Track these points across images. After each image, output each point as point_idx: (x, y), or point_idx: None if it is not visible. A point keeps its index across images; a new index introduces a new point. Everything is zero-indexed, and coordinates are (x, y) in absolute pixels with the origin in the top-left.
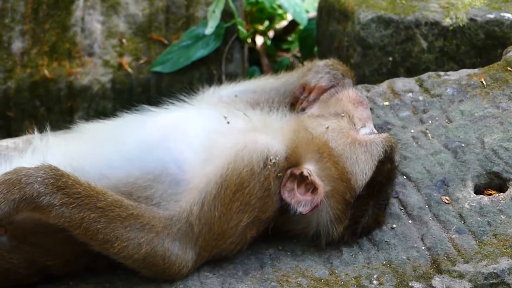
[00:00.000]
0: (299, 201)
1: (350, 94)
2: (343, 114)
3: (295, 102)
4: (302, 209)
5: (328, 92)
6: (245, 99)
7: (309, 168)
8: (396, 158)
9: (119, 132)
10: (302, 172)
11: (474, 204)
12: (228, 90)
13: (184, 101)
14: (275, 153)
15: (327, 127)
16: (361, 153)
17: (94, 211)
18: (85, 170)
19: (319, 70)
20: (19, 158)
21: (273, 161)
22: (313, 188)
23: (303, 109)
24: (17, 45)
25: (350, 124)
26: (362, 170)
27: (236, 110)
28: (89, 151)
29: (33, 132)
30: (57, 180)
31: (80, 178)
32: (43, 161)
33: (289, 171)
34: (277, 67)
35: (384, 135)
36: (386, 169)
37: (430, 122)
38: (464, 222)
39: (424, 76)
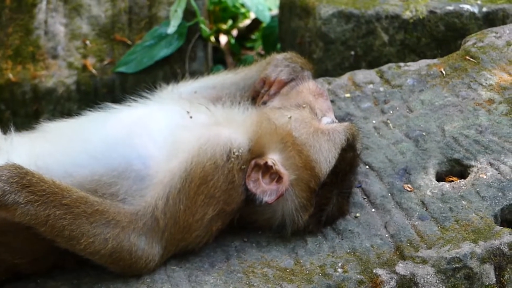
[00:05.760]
0: (265, 190)
1: (310, 86)
2: (304, 105)
3: (256, 96)
4: (267, 198)
5: (288, 85)
6: (204, 95)
7: (274, 158)
8: (358, 146)
9: (83, 130)
10: (266, 162)
11: (436, 191)
12: (186, 86)
13: (146, 98)
14: (238, 146)
15: (290, 117)
16: (324, 141)
17: (59, 208)
18: (50, 169)
19: (278, 64)
20: None
21: (236, 153)
22: (278, 177)
23: (265, 103)
24: None
25: (312, 114)
26: (325, 158)
27: (198, 105)
28: (53, 150)
29: None
30: (22, 178)
31: (44, 176)
32: (7, 160)
33: (253, 162)
34: (241, 65)
35: (345, 123)
36: (349, 157)
37: (391, 112)
38: (427, 209)
39: (384, 67)
